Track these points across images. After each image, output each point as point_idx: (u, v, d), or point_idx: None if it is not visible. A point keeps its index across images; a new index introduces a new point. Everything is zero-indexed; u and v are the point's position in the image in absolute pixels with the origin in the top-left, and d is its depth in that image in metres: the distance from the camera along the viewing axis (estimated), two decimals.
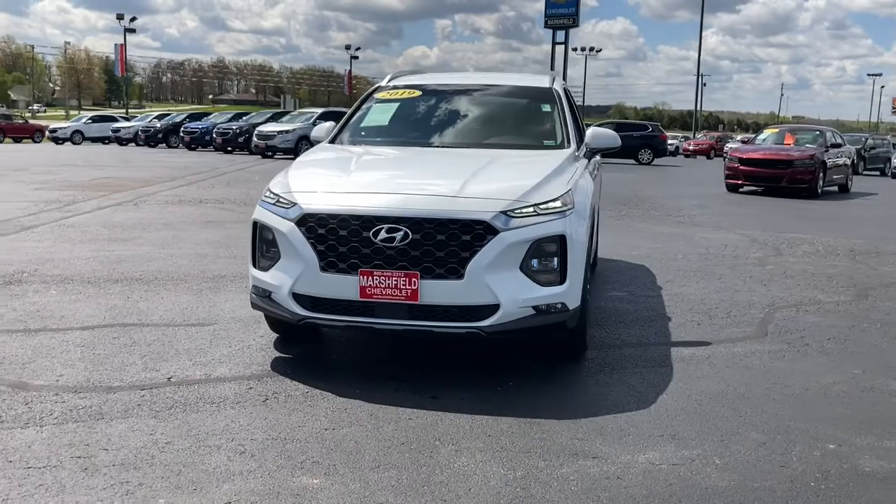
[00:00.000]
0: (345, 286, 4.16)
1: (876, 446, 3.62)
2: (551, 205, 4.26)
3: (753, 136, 22.61)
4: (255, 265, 4.58)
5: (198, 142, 34.86)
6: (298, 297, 4.29)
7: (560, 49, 72.97)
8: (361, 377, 4.43)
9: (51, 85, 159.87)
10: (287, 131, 29.29)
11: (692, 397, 4.20)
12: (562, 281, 4.25)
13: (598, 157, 7.17)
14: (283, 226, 4.31)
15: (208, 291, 6.40)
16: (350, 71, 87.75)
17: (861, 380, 4.59)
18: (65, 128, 44.71)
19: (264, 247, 4.50)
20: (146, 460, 3.31)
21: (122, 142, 40.55)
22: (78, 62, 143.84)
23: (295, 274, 4.27)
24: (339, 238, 4.16)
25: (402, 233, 4.07)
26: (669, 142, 53.54)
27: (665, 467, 3.35)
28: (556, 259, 4.24)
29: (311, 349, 5.00)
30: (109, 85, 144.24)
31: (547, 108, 5.61)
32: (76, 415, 3.78)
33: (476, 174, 4.49)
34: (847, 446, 3.61)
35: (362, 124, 5.76)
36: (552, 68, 76.30)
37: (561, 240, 4.22)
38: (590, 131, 5.55)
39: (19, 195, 13.40)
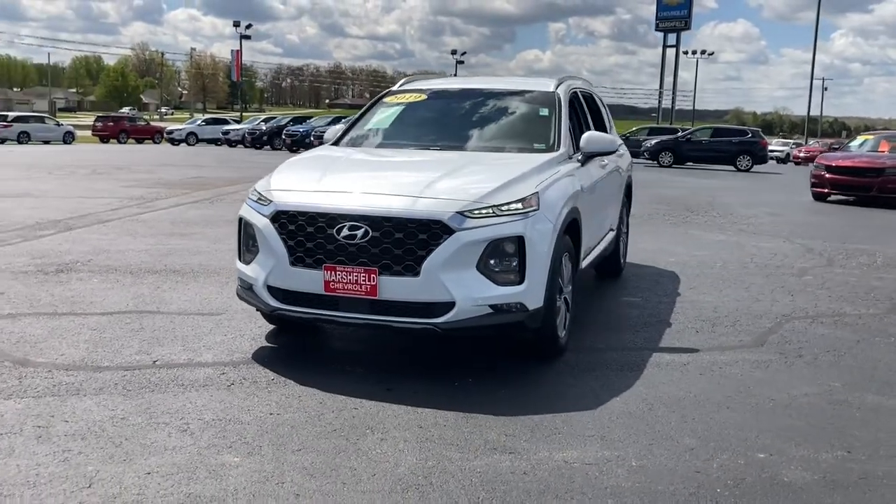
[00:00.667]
0: (311, 280, 4.38)
1: (809, 458, 3.54)
2: (512, 206, 4.35)
3: (846, 141, 21.46)
4: (240, 258, 4.87)
5: (299, 144, 36.13)
6: (272, 290, 4.55)
7: (671, 52, 71.31)
8: (331, 368, 4.65)
9: (179, 89, 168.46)
10: None
11: (646, 401, 4.19)
12: (521, 281, 4.32)
13: (620, 161, 7.12)
14: (260, 222, 4.58)
15: (233, 284, 6.68)
16: (455, 75, 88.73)
17: (836, 392, 4.44)
18: (180, 129, 47.15)
19: (249, 241, 4.77)
20: (96, 433, 3.62)
21: (231, 143, 42.50)
22: (204, 67, 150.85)
23: (269, 267, 4.53)
24: (306, 234, 4.39)
25: (362, 230, 4.25)
26: (780, 149, 51.60)
27: (577, 465, 3.40)
28: (515, 259, 4.32)
29: (298, 340, 5.25)
30: (231, 89, 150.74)
31: (545, 111, 5.65)
32: (56, 390, 4.15)
33: (446, 175, 4.61)
34: (778, 456, 3.54)
35: (366, 127, 5.97)
36: (662, 71, 74.72)
37: (519, 240, 4.30)
38: (584, 136, 5.56)
39: (108, 192, 14.36)
